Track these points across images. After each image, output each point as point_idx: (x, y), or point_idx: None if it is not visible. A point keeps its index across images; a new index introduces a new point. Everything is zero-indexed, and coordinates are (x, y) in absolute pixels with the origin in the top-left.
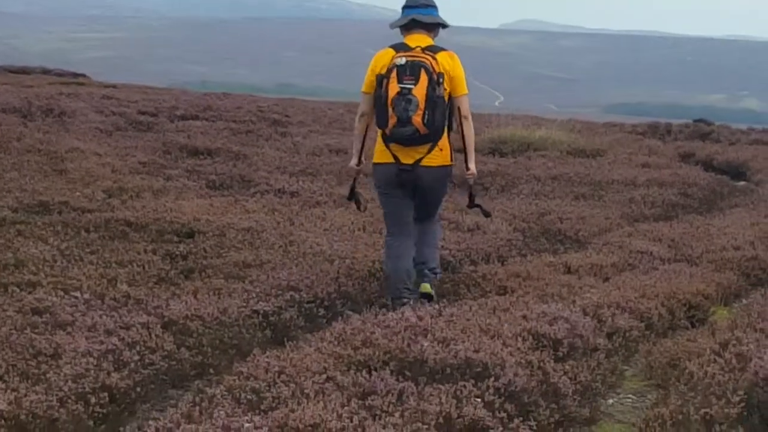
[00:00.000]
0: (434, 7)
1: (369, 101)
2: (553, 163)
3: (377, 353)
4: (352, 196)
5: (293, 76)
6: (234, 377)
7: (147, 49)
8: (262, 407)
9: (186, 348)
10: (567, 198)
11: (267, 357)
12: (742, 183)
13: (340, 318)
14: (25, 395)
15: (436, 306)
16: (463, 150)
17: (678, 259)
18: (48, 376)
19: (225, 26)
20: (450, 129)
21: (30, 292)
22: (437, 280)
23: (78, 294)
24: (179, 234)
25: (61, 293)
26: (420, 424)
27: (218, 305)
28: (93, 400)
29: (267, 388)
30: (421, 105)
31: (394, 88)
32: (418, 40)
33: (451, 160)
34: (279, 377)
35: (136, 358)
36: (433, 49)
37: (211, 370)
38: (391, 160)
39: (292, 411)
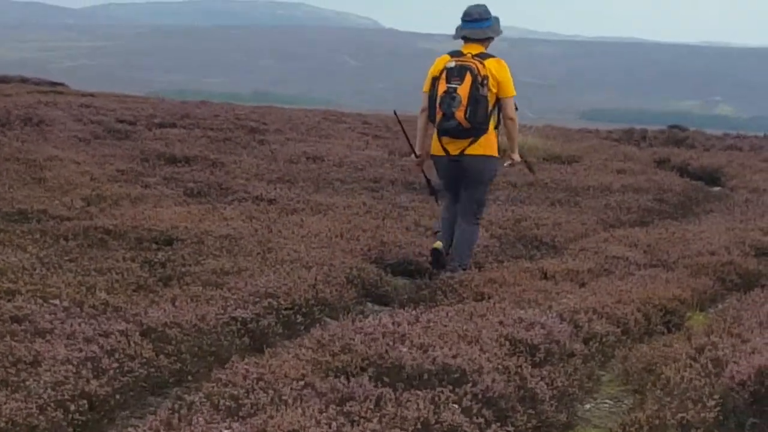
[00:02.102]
0: (487, 18)
1: (426, 99)
2: None
3: (355, 359)
4: (432, 191)
5: (270, 84)
6: (213, 384)
7: (124, 57)
8: (241, 414)
9: (165, 355)
10: (543, 204)
11: (245, 364)
12: (717, 188)
13: (318, 324)
14: (5, 403)
15: (413, 312)
16: (509, 143)
17: (654, 264)
18: (27, 383)
19: (201, 34)
20: (497, 125)
21: (9, 300)
22: (459, 270)
23: (57, 302)
24: (157, 242)
25: (40, 301)
26: (398, 430)
27: (197, 312)
28: (72, 407)
29: (246, 394)
30: (464, 102)
31: (442, 87)
32: (471, 48)
33: (497, 152)
34: (257, 384)
35: (115, 365)
36: (482, 56)
37: (190, 377)
38: (442, 153)
39: (271, 417)
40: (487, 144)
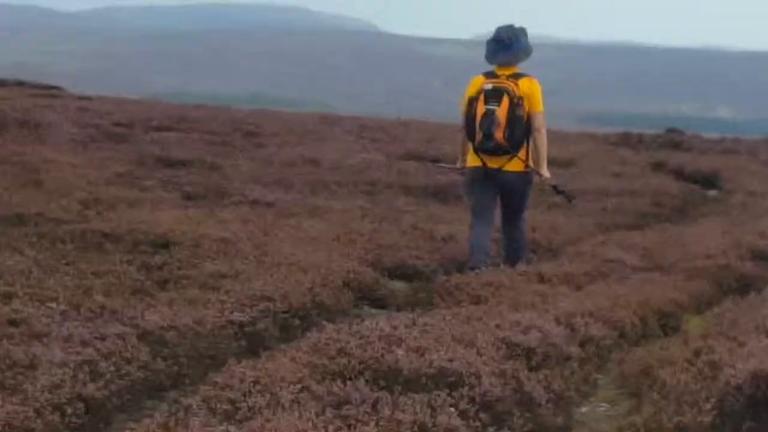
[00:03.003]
0: (518, 42)
1: (464, 120)
2: None
3: (352, 363)
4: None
5: (266, 87)
6: (209, 387)
7: (120, 61)
8: (238, 417)
9: (161, 358)
10: (539, 207)
11: (242, 367)
12: (713, 192)
13: (314, 328)
14: (1, 406)
15: (410, 315)
16: (537, 157)
17: (650, 267)
18: (24, 386)
19: (197, 38)
20: (529, 142)
21: (6, 303)
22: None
23: (54, 305)
24: (154, 245)
25: (37, 304)
26: None
27: (193, 316)
28: (69, 410)
29: (242, 398)
30: (502, 124)
31: (480, 109)
32: (504, 69)
33: (531, 164)
34: (254, 387)
35: (112, 368)
36: (516, 76)
37: (187, 381)
38: (480, 164)
39: (268, 421)
40: (523, 160)
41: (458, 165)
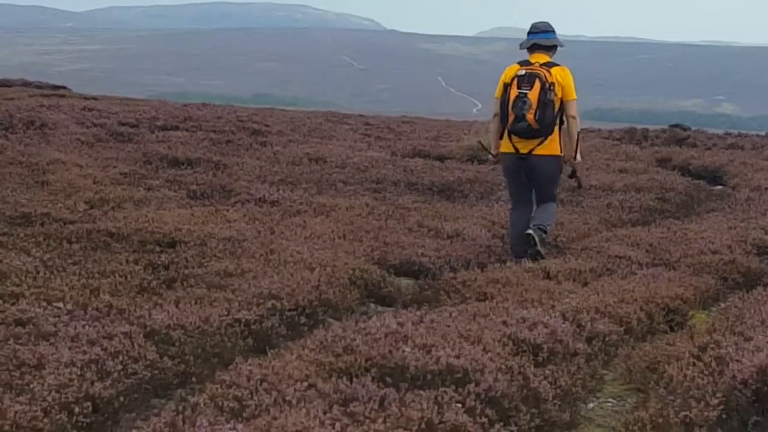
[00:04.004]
0: (552, 32)
1: (498, 104)
2: None
3: (358, 360)
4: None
5: (270, 86)
6: (216, 385)
7: (125, 61)
8: (245, 415)
9: (168, 357)
10: None
11: (249, 365)
12: (718, 187)
13: (321, 325)
14: (9, 406)
15: (416, 312)
16: (569, 142)
17: (656, 263)
18: (32, 386)
19: (201, 37)
20: (561, 126)
21: (13, 304)
22: (544, 234)
23: (61, 305)
24: (161, 244)
25: (44, 304)
26: (402, 431)
27: (200, 314)
28: (77, 409)
29: (249, 395)
30: (534, 106)
31: (514, 92)
32: (538, 58)
33: (561, 151)
34: (261, 385)
35: (119, 367)
36: (549, 65)
37: (194, 379)
38: (512, 150)
39: (275, 418)
40: (553, 145)
41: (492, 151)
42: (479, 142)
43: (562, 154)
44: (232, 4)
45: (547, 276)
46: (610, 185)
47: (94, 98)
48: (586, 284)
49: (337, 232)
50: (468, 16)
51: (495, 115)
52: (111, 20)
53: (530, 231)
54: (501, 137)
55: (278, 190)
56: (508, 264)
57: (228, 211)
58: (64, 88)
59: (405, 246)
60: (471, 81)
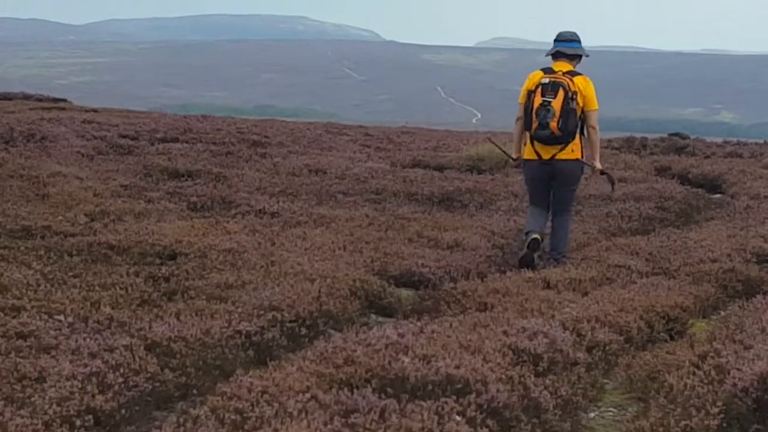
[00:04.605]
0: (577, 41)
1: (522, 109)
2: None
3: (359, 371)
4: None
5: (271, 98)
6: (217, 397)
7: (126, 73)
8: (246, 427)
9: (170, 369)
10: None
11: (250, 377)
12: (717, 196)
13: (322, 337)
14: (11, 419)
15: (417, 323)
16: (591, 150)
17: (656, 272)
18: (33, 399)
19: (201, 49)
20: (582, 134)
21: (14, 317)
22: (562, 259)
23: (62, 317)
24: (161, 256)
25: (45, 317)
26: None
27: (201, 326)
28: (78, 422)
29: (250, 407)
30: (557, 114)
31: (538, 100)
32: (562, 66)
33: (582, 157)
34: (262, 397)
35: (120, 380)
36: (572, 74)
37: (195, 391)
38: (535, 157)
39: (276, 430)
40: (575, 150)
41: (514, 156)
42: (497, 146)
43: (582, 160)
44: (232, 16)
45: (547, 285)
46: (609, 194)
47: (95, 111)
48: (586, 294)
49: (338, 243)
50: (467, 26)
51: (518, 119)
52: (112, 33)
53: (536, 236)
54: (524, 142)
55: (278, 201)
56: (508, 274)
57: (228, 222)
58: (64, 100)
59: (405, 257)
60: (471, 91)
